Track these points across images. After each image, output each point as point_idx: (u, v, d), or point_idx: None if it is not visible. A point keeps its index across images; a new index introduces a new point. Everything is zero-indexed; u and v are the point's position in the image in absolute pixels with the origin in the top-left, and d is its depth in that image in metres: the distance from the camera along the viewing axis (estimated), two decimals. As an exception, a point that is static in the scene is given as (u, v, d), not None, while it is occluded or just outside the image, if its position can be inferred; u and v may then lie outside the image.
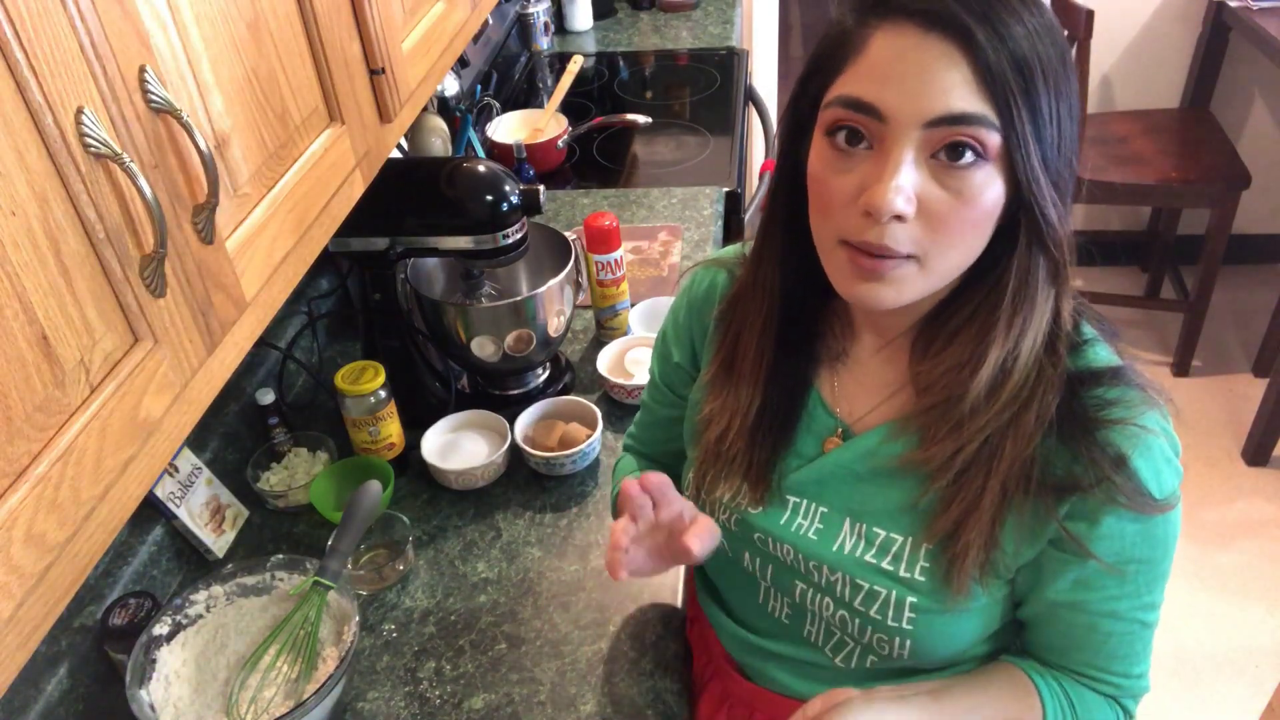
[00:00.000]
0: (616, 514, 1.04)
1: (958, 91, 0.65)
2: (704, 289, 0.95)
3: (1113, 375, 0.75)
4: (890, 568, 0.81)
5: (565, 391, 1.46)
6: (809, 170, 0.73)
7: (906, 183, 0.67)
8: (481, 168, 1.29)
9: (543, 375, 1.47)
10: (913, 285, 0.71)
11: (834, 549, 0.84)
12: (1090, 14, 2.46)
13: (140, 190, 0.58)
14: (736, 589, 0.98)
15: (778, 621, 0.93)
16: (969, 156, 0.66)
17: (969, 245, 0.71)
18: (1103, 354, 0.77)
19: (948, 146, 0.66)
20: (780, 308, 0.84)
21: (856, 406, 0.85)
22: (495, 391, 1.46)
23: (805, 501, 0.86)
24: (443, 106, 1.88)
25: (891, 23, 0.67)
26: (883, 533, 0.82)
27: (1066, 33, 2.56)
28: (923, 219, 0.68)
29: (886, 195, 0.66)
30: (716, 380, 0.89)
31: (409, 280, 1.36)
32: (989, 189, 0.67)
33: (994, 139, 0.66)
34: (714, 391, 0.89)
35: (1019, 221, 0.70)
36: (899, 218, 0.67)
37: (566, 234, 1.44)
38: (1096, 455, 0.73)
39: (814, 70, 0.73)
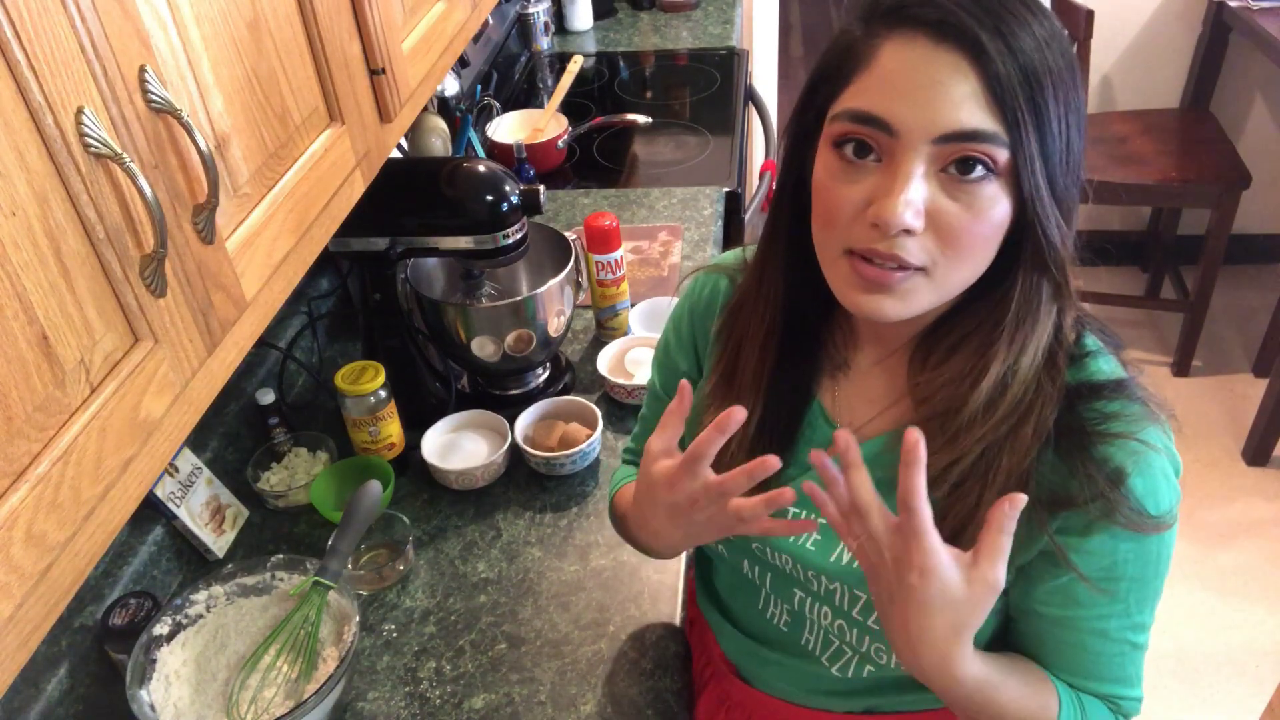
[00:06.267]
0: (615, 521, 1.04)
1: (968, 106, 0.64)
2: (706, 296, 0.94)
3: (1114, 388, 0.74)
4: None
5: (565, 391, 1.46)
6: (814, 181, 0.72)
7: (916, 196, 0.66)
8: (481, 168, 1.28)
9: (543, 375, 1.47)
10: (920, 298, 0.70)
11: (832, 560, 0.83)
12: (1090, 14, 2.46)
13: (140, 190, 0.58)
14: (737, 594, 0.97)
15: (777, 628, 0.93)
16: (979, 171, 0.66)
17: (978, 259, 0.70)
18: (1105, 366, 0.76)
19: (958, 161, 0.66)
20: (783, 318, 0.83)
21: (857, 417, 0.85)
22: (495, 391, 1.46)
23: (804, 513, 0.86)
24: (443, 106, 1.88)
25: (901, 33, 0.66)
26: None
27: (1066, 33, 2.57)
28: (933, 232, 0.67)
29: (896, 209, 0.65)
30: (717, 391, 0.88)
31: (409, 280, 1.36)
32: (998, 204, 0.67)
33: (1003, 155, 0.65)
34: (714, 402, 0.88)
35: (1023, 238, 0.70)
36: (908, 231, 0.67)
37: (566, 234, 1.44)
38: (1093, 470, 0.72)
39: (820, 80, 0.72)
